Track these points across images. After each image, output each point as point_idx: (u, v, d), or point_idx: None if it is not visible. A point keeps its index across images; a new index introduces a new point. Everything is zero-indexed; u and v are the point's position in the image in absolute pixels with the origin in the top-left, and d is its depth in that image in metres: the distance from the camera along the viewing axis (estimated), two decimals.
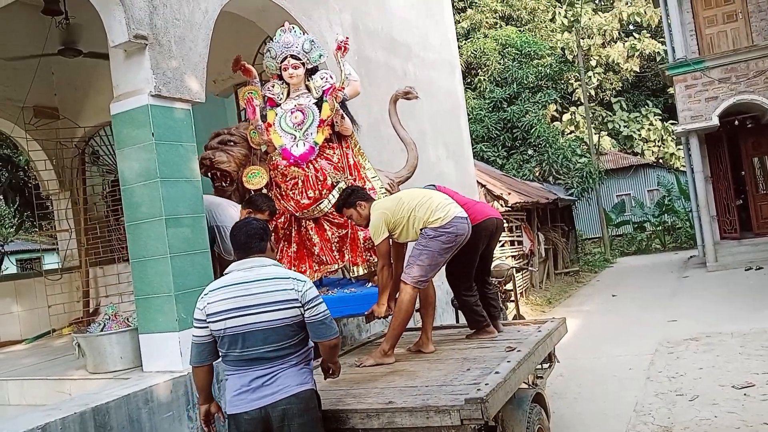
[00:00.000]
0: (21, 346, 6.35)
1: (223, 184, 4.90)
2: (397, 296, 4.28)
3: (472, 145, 12.04)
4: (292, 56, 4.73)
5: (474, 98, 21.65)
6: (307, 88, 4.86)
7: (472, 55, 22.35)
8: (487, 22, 24.82)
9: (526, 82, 21.45)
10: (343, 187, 4.67)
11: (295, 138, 4.69)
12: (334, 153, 4.81)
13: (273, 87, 4.88)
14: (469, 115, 15.06)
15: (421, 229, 4.12)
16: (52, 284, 6.68)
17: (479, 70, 22.52)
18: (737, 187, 15.21)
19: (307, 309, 2.80)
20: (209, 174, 4.92)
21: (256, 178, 4.72)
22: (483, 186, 13.47)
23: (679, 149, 25.04)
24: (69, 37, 6.45)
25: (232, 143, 4.93)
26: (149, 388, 3.55)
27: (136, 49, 3.93)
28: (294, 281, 2.83)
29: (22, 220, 11.23)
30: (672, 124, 22.83)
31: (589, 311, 11.07)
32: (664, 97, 27.76)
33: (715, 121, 13.53)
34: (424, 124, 7.86)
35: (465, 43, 22.66)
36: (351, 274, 4.89)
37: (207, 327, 2.82)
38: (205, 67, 4.37)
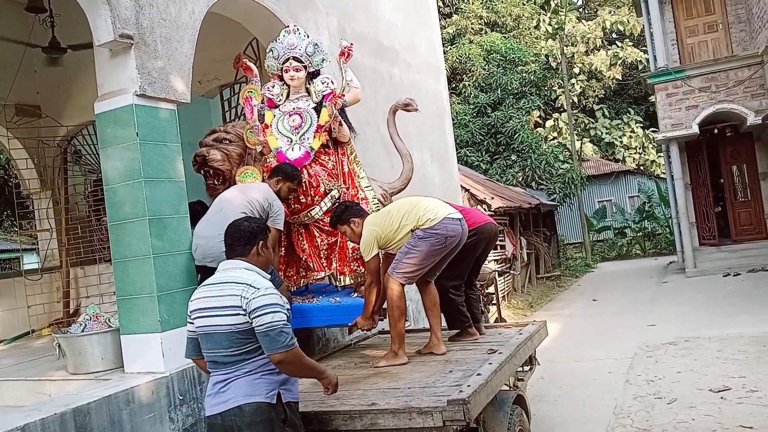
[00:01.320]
0: None
1: (215, 182, 4.82)
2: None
3: (457, 150, 12.11)
4: (294, 58, 4.71)
5: (459, 103, 21.78)
6: (307, 91, 4.83)
7: (458, 60, 22.51)
8: (472, 28, 25.00)
9: (510, 88, 21.63)
10: (336, 195, 4.68)
11: (291, 141, 4.67)
12: (329, 159, 4.78)
13: (273, 87, 4.85)
14: (453, 120, 15.14)
15: (411, 230, 4.13)
16: (32, 284, 6.59)
17: (464, 76, 22.68)
18: (716, 195, 15.44)
19: (253, 318, 2.65)
20: (202, 171, 4.84)
21: (249, 178, 4.68)
22: (467, 190, 13.55)
23: (659, 156, 25.34)
24: (54, 35, 6.39)
25: (227, 141, 4.85)
26: (130, 389, 3.53)
27: (122, 49, 3.91)
28: (245, 288, 2.69)
29: (2, 219, 11.08)
30: (653, 131, 23.09)
31: (570, 315, 11.17)
32: (645, 105, 28.11)
33: (695, 130, 13.74)
34: (409, 128, 7.88)
35: (450, 49, 22.81)
36: (338, 283, 4.87)
37: (192, 323, 2.87)
38: (191, 67, 4.35)
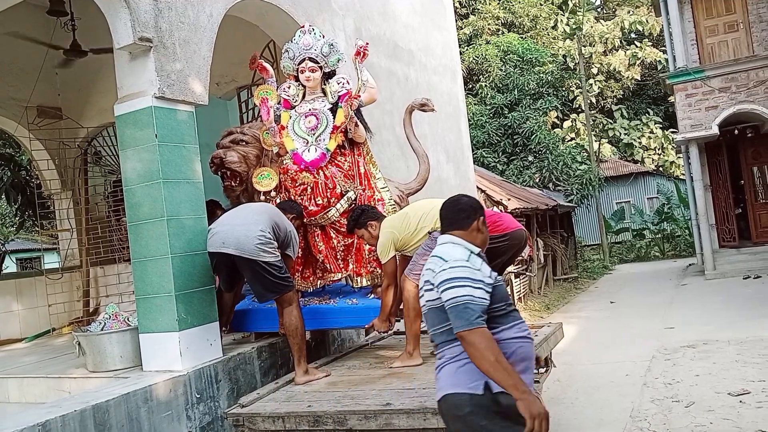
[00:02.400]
0: (21, 345, 6.38)
1: (233, 183, 4.86)
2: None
3: (473, 151, 12.09)
4: (310, 59, 4.72)
5: (475, 104, 21.72)
6: (323, 91, 4.83)
7: (474, 61, 22.45)
8: (489, 29, 24.92)
9: (527, 88, 21.52)
10: (352, 197, 4.67)
11: (307, 143, 4.67)
12: (346, 160, 4.78)
13: (289, 88, 4.86)
14: (470, 120, 15.13)
15: (429, 232, 4.12)
16: (52, 283, 6.71)
17: (481, 76, 22.61)
18: (736, 196, 15.25)
19: (441, 293, 2.38)
20: (219, 173, 4.89)
21: (265, 180, 4.71)
22: (483, 191, 13.51)
23: (679, 157, 25.05)
24: (75, 38, 6.49)
25: (243, 143, 4.88)
26: (149, 387, 3.58)
27: (141, 51, 3.97)
28: (437, 260, 2.47)
29: (24, 219, 11.24)
30: (672, 132, 22.87)
31: (587, 317, 11.08)
32: (664, 106, 27.83)
33: (715, 130, 13.58)
34: (424, 128, 7.90)
35: (467, 50, 22.75)
36: (354, 284, 4.87)
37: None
38: (209, 69, 4.41)
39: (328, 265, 4.81)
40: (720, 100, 13.58)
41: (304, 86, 4.82)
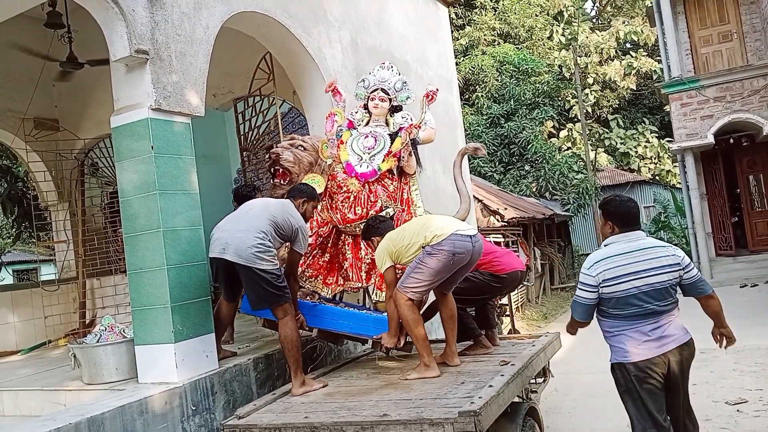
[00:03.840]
0: (17, 357, 6.35)
1: (282, 181, 4.99)
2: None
3: (469, 161, 12.10)
4: (382, 90, 5.02)
5: (472, 114, 21.79)
6: (386, 122, 5.07)
7: (470, 71, 22.54)
8: (485, 40, 25.04)
9: (523, 98, 21.61)
10: (390, 213, 4.77)
11: (361, 159, 4.85)
12: (392, 183, 4.92)
13: (356, 113, 5.14)
14: (466, 130, 15.18)
15: (421, 247, 4.13)
16: (48, 295, 6.70)
17: (477, 87, 22.69)
18: (732, 205, 15.30)
19: (685, 273, 3.29)
20: (272, 169, 5.04)
21: (314, 185, 4.80)
22: (480, 201, 13.54)
23: (675, 166, 25.14)
24: (72, 50, 6.52)
25: (302, 148, 5.04)
26: (144, 400, 3.56)
27: (138, 64, 3.99)
28: (671, 248, 3.34)
29: (20, 230, 11.22)
30: (668, 141, 22.95)
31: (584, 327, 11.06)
32: (660, 115, 27.94)
33: (711, 139, 13.64)
34: None
35: (463, 60, 22.85)
36: (374, 297, 4.89)
37: (597, 291, 3.27)
38: (205, 81, 4.42)
39: (350, 273, 4.88)
40: (715, 110, 13.66)
41: (370, 114, 5.06)
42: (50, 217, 7.74)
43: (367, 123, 5.08)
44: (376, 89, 5.05)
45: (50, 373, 4.93)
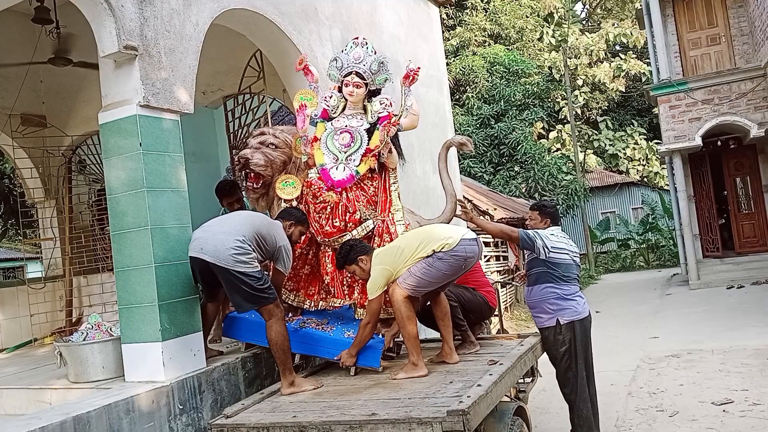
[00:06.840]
0: (2, 355, 6.28)
1: (255, 185, 4.78)
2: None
3: (459, 161, 12.12)
4: (357, 74, 4.61)
5: (462, 114, 21.84)
6: (364, 108, 4.73)
7: (461, 72, 22.58)
8: (475, 40, 25.11)
9: (513, 99, 21.69)
10: (370, 227, 4.54)
11: (337, 159, 4.57)
12: (372, 184, 4.67)
13: (330, 98, 4.77)
14: (456, 131, 15.19)
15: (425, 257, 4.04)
16: (35, 293, 6.63)
17: (467, 87, 22.75)
18: (720, 207, 15.43)
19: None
20: (243, 172, 4.82)
21: (288, 188, 4.63)
22: (469, 201, 13.55)
23: (663, 168, 25.36)
24: (60, 46, 6.46)
25: (273, 146, 4.78)
26: (131, 398, 3.53)
27: (126, 60, 3.95)
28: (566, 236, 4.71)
29: (6, 228, 11.13)
30: (656, 143, 23.11)
31: None
32: (649, 117, 28.15)
33: (698, 142, 13.75)
34: (411, 139, 7.92)
35: (454, 61, 22.90)
36: (356, 315, 4.64)
37: (543, 248, 4.42)
38: (195, 78, 4.39)
39: (332, 289, 4.66)
40: (703, 112, 13.77)
41: (346, 99, 4.72)
42: (37, 214, 7.65)
43: (343, 109, 4.75)
44: (350, 73, 4.61)
45: (35, 371, 4.88)
